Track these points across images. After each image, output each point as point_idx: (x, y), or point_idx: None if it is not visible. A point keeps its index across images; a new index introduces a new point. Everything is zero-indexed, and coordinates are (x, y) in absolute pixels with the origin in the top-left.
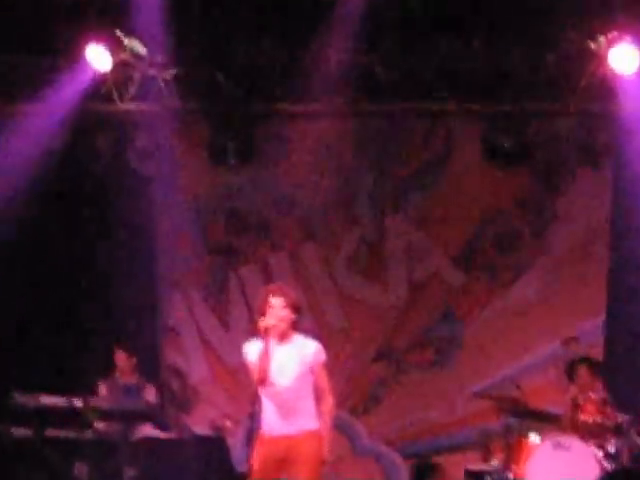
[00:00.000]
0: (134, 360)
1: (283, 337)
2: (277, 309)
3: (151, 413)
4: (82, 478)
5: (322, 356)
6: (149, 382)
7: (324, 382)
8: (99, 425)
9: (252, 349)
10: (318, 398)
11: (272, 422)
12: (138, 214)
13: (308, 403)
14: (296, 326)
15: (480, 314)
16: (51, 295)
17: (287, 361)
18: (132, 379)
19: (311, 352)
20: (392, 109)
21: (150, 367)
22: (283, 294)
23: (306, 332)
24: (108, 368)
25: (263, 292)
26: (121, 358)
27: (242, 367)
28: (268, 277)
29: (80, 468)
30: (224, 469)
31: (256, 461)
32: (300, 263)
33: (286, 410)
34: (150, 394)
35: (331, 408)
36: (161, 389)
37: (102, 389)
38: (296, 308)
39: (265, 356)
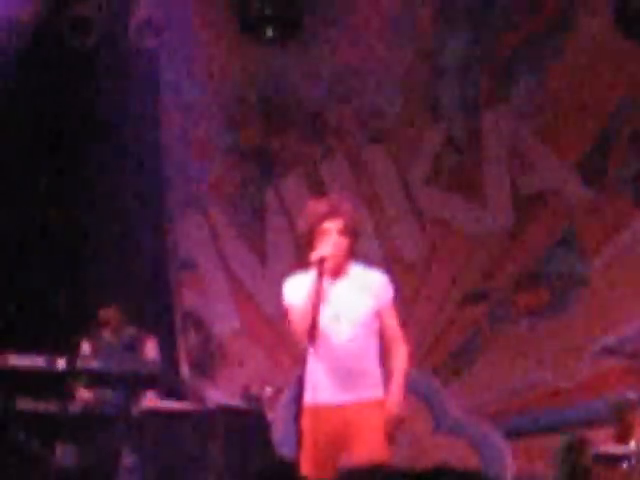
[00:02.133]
0: (121, 313)
1: (338, 271)
2: (333, 235)
3: (158, 376)
4: (66, 464)
5: (389, 292)
6: (148, 334)
7: (393, 326)
8: (85, 394)
9: (296, 287)
10: (387, 348)
11: (323, 388)
12: (140, 108)
13: (372, 363)
14: (352, 253)
15: (613, 242)
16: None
17: (345, 303)
18: (125, 333)
19: (376, 286)
20: None
21: (161, 315)
22: (340, 214)
23: (368, 262)
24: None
25: (312, 211)
26: (107, 315)
27: (284, 316)
28: (318, 191)
29: (63, 451)
30: (262, 452)
31: (305, 440)
32: (362, 172)
33: (343, 372)
34: (151, 350)
35: (405, 360)
36: (174, 343)
37: (85, 347)
38: (355, 231)
39: (317, 298)
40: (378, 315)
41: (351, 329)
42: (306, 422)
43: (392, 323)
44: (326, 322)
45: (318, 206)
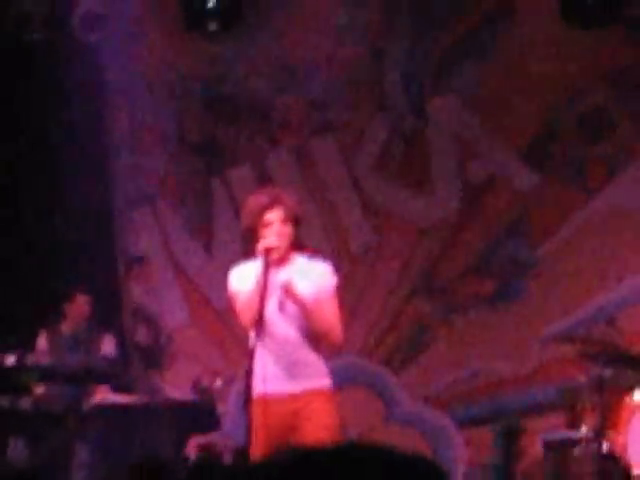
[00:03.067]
0: (90, 306)
1: (281, 260)
2: (277, 225)
3: (109, 371)
4: (18, 458)
5: (331, 280)
6: (107, 330)
7: (330, 314)
8: (39, 389)
9: (242, 276)
10: (318, 339)
11: (271, 377)
12: (84, 102)
13: (316, 354)
14: (296, 243)
15: (559, 229)
16: None
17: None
18: (82, 327)
19: (316, 274)
20: None
21: (109, 310)
22: (280, 203)
23: (313, 253)
24: (53, 314)
25: (252, 204)
26: (80, 303)
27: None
28: (265, 183)
29: (15, 446)
30: None
31: (256, 431)
32: (309, 162)
33: (288, 361)
34: (108, 346)
35: (334, 347)
36: (124, 338)
37: (41, 341)
38: (297, 219)
39: (263, 287)
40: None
41: (295, 318)
42: (256, 412)
43: (329, 310)
44: (270, 311)
45: (258, 198)
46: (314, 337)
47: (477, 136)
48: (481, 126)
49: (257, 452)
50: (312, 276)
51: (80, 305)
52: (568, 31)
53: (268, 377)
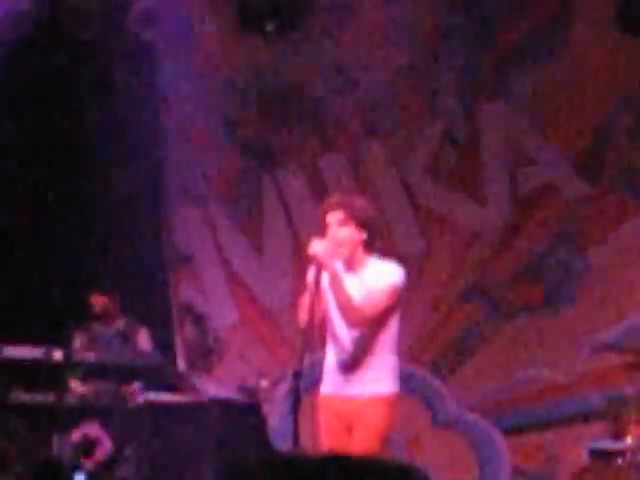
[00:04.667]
0: (115, 302)
1: (351, 265)
2: (333, 228)
3: (157, 368)
4: (65, 455)
5: (391, 278)
6: (140, 325)
7: (372, 302)
8: (78, 387)
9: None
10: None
11: (331, 379)
12: (139, 100)
13: (377, 358)
14: (370, 248)
15: (611, 237)
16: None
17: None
18: (116, 324)
19: (381, 275)
20: None
21: (157, 308)
22: (343, 205)
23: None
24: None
25: (322, 207)
26: (99, 302)
27: (282, 308)
28: (317, 185)
29: (62, 442)
30: (258, 445)
31: (321, 430)
32: (361, 165)
33: (348, 365)
34: (143, 340)
35: (353, 313)
36: (172, 337)
37: (77, 341)
38: (364, 223)
39: (315, 292)
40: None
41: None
42: (320, 412)
43: (370, 300)
44: (335, 315)
45: (326, 201)
46: (380, 342)
47: (529, 143)
48: (534, 133)
49: (321, 451)
50: (379, 278)
51: (104, 302)
52: (623, 39)
53: (328, 378)
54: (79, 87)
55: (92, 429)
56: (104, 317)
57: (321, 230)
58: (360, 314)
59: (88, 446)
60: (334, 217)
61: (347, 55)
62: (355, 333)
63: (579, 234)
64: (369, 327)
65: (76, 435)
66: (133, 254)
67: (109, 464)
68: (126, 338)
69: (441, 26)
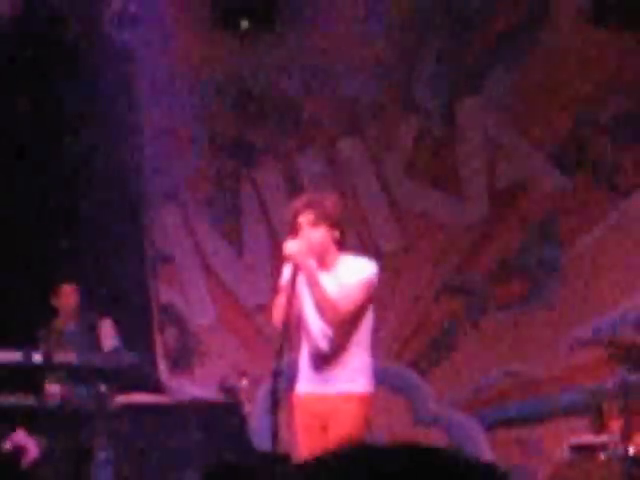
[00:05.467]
0: (79, 294)
1: (325, 263)
2: (305, 229)
3: (137, 370)
4: (40, 457)
5: (364, 274)
6: (104, 315)
7: (348, 300)
8: (53, 389)
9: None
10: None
11: (306, 378)
12: (116, 101)
13: (351, 356)
14: (342, 246)
15: (589, 232)
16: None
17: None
18: (83, 318)
19: (354, 271)
20: None
21: (136, 308)
22: (313, 206)
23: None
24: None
25: (288, 209)
26: (68, 295)
27: (261, 307)
28: (295, 183)
29: (40, 444)
30: (238, 445)
31: (297, 428)
32: (338, 163)
33: (322, 363)
34: (107, 331)
35: (327, 313)
36: (152, 338)
37: (42, 340)
38: (336, 221)
39: (290, 292)
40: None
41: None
42: (295, 410)
43: (342, 295)
44: (309, 314)
45: (293, 203)
46: (354, 340)
47: (507, 139)
48: (511, 128)
49: (297, 451)
50: (352, 275)
51: (67, 295)
52: (599, 35)
53: (305, 377)
54: (57, 90)
55: (19, 436)
56: (69, 310)
57: (294, 231)
58: (336, 310)
59: (17, 453)
60: (305, 218)
61: (323, 53)
62: (329, 331)
63: (557, 229)
64: (344, 324)
65: (7, 444)
66: (114, 255)
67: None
68: (92, 333)
69: (418, 24)
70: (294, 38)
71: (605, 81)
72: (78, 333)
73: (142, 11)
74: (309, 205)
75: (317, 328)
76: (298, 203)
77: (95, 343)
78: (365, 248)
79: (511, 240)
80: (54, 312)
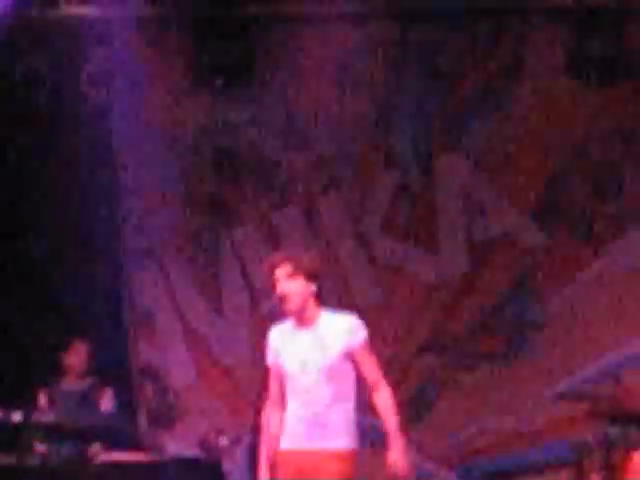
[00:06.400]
0: (92, 359)
1: (302, 318)
2: (283, 282)
3: (114, 428)
4: None
5: (362, 333)
6: (107, 385)
7: (372, 367)
8: (40, 447)
9: (278, 336)
10: (369, 395)
11: (291, 434)
12: (93, 160)
13: (338, 412)
14: (320, 299)
15: (567, 286)
16: None
17: (310, 351)
18: (85, 382)
19: (344, 330)
20: (441, 6)
21: (116, 367)
22: (290, 259)
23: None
24: (54, 373)
25: (265, 265)
26: (80, 353)
27: (240, 364)
28: (274, 241)
29: None
30: None
31: None
32: (317, 221)
33: (309, 419)
34: (107, 401)
35: (388, 406)
36: (132, 396)
37: (42, 399)
38: (312, 274)
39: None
40: (350, 359)
41: (315, 377)
42: (279, 467)
43: (368, 367)
44: (293, 370)
45: (269, 258)
46: (339, 396)
47: (484, 193)
48: (488, 183)
49: None
50: (340, 332)
51: (79, 354)
52: (575, 88)
53: (290, 433)
54: (33, 150)
55: None
56: (78, 370)
57: (271, 287)
58: (386, 386)
59: None
60: (282, 271)
61: (299, 109)
62: (316, 388)
63: (535, 283)
64: (331, 383)
65: None
66: (93, 312)
67: None
68: (90, 398)
69: (395, 78)
70: (271, 95)
71: (582, 134)
72: (76, 397)
73: (118, 70)
74: (286, 259)
75: (304, 385)
76: (275, 257)
77: (93, 409)
78: (343, 304)
79: (489, 295)
80: (63, 370)
